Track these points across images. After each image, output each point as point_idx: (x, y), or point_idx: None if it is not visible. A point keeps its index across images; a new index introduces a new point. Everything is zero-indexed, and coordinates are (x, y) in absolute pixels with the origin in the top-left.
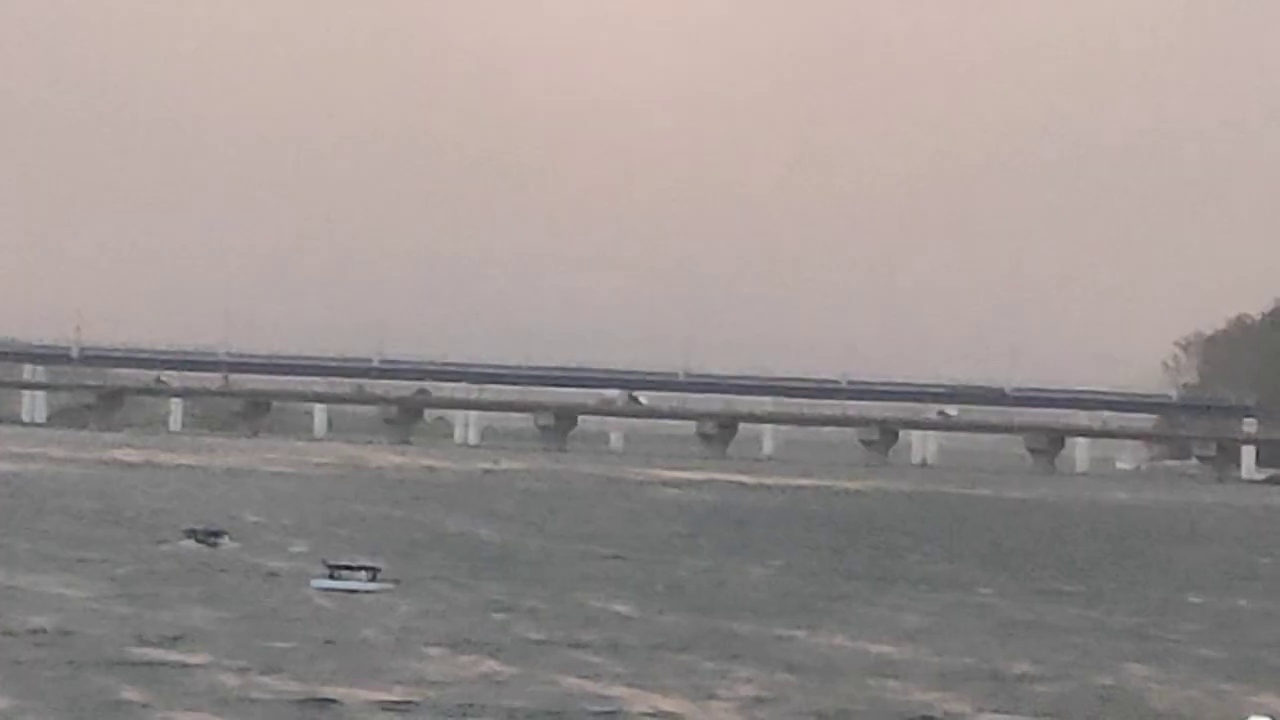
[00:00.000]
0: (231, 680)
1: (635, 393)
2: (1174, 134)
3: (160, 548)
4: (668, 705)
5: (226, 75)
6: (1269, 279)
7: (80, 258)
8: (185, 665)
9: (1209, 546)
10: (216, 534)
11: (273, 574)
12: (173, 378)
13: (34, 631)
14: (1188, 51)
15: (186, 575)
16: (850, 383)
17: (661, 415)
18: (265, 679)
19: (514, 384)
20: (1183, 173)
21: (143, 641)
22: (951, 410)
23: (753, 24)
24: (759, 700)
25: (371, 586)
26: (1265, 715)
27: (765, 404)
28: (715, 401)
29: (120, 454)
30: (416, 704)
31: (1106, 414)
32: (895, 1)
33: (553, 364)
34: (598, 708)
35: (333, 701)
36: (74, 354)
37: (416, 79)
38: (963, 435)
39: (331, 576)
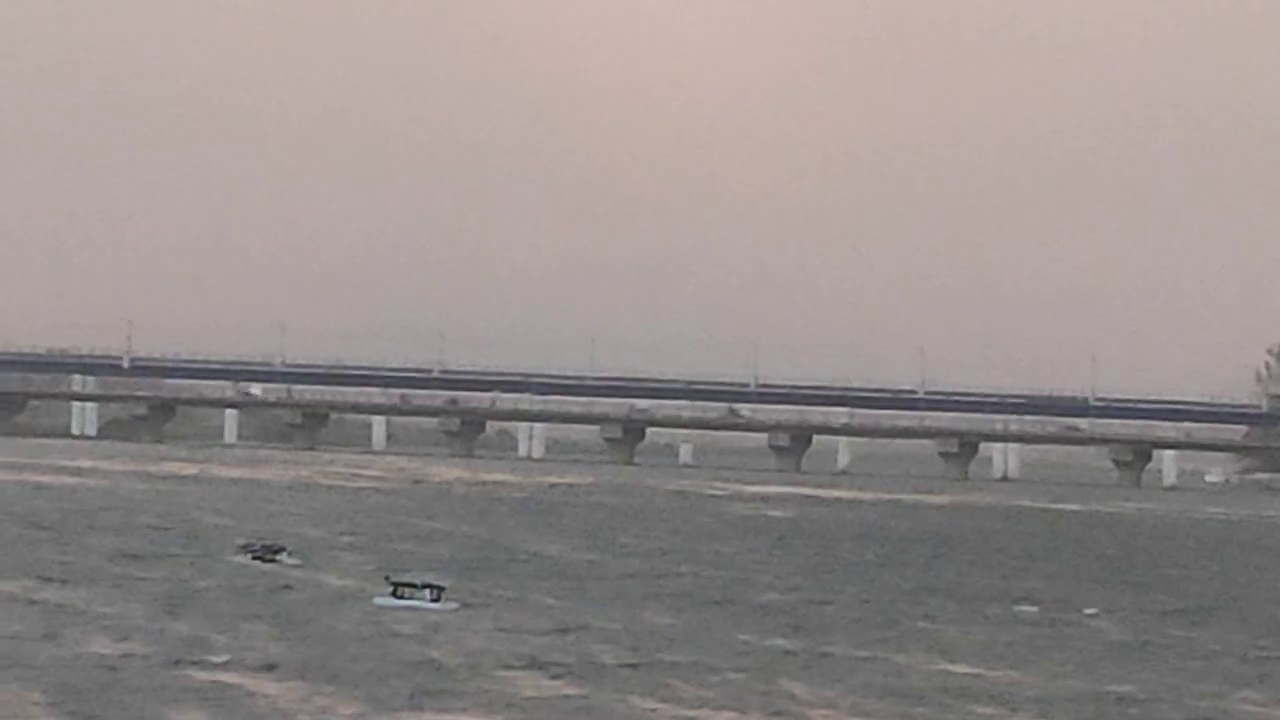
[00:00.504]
0: (295, 704)
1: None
2: (1261, 132)
3: (217, 564)
4: None
5: (283, 80)
6: None
7: (131, 265)
8: (245, 688)
9: None
10: (274, 550)
11: (333, 591)
12: (227, 388)
13: (90, 655)
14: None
15: (244, 593)
16: (928, 393)
17: (732, 427)
18: (329, 702)
19: (579, 395)
20: (1274, 171)
21: (201, 664)
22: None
23: (819, 19)
24: None
25: (436, 605)
26: None
27: (840, 415)
28: (787, 413)
29: (174, 467)
30: None
31: (1194, 425)
32: None
33: (619, 374)
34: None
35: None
36: (125, 364)
37: (474, 86)
38: (1044, 447)
39: (394, 594)
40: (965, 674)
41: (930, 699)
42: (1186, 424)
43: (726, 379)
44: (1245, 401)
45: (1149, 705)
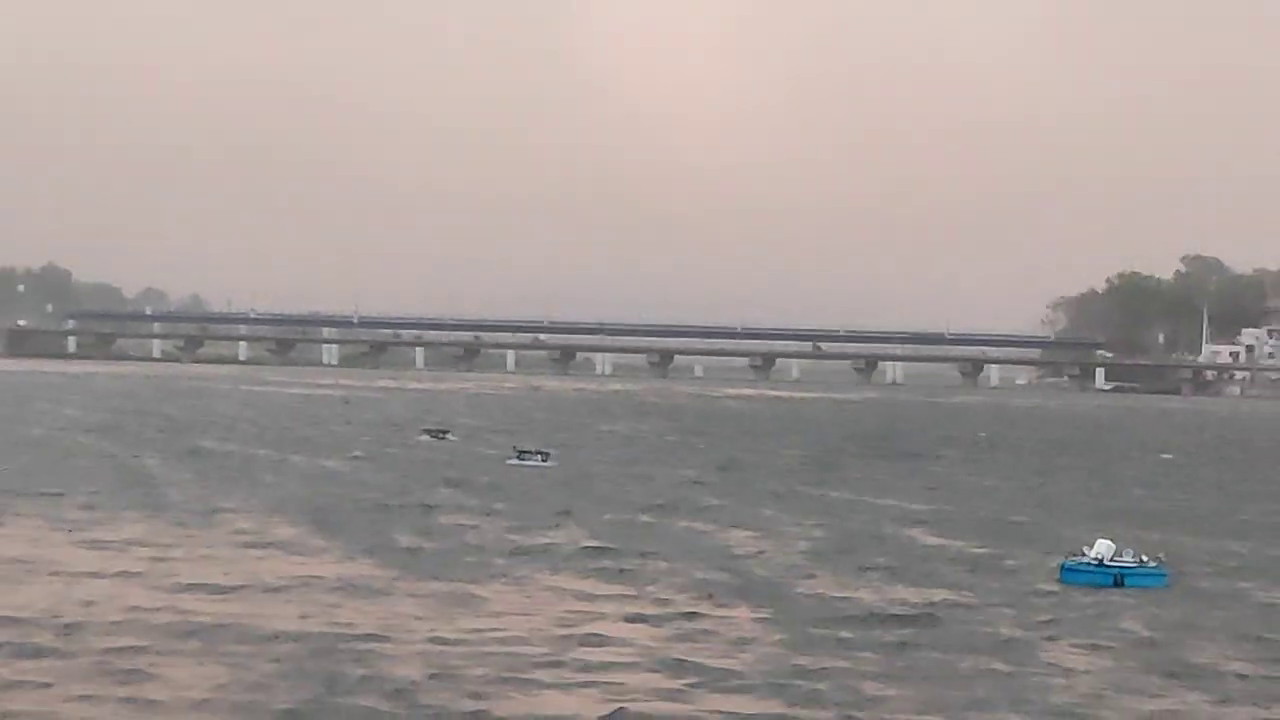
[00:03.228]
0: (461, 519)
1: (819, 344)
2: (1047, 133)
3: (409, 440)
4: (758, 540)
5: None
6: (1111, 260)
7: (358, 256)
8: (430, 508)
9: (1075, 429)
10: (444, 431)
11: (481, 456)
12: (417, 335)
13: (334, 495)
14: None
15: (426, 457)
16: (847, 331)
17: (726, 354)
18: (480, 518)
19: (633, 335)
20: (1054, 171)
21: (403, 501)
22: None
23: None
24: (801, 535)
25: (545, 463)
26: (1107, 539)
27: (792, 346)
28: (759, 345)
29: (384, 383)
30: (592, 547)
31: (1009, 349)
32: None
33: (657, 322)
34: (702, 522)
35: (523, 530)
36: (355, 320)
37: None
38: (917, 364)
39: (519, 457)
40: (871, 502)
41: (847, 517)
42: (1005, 348)
43: (722, 324)
44: (1040, 334)
45: (958, 514)
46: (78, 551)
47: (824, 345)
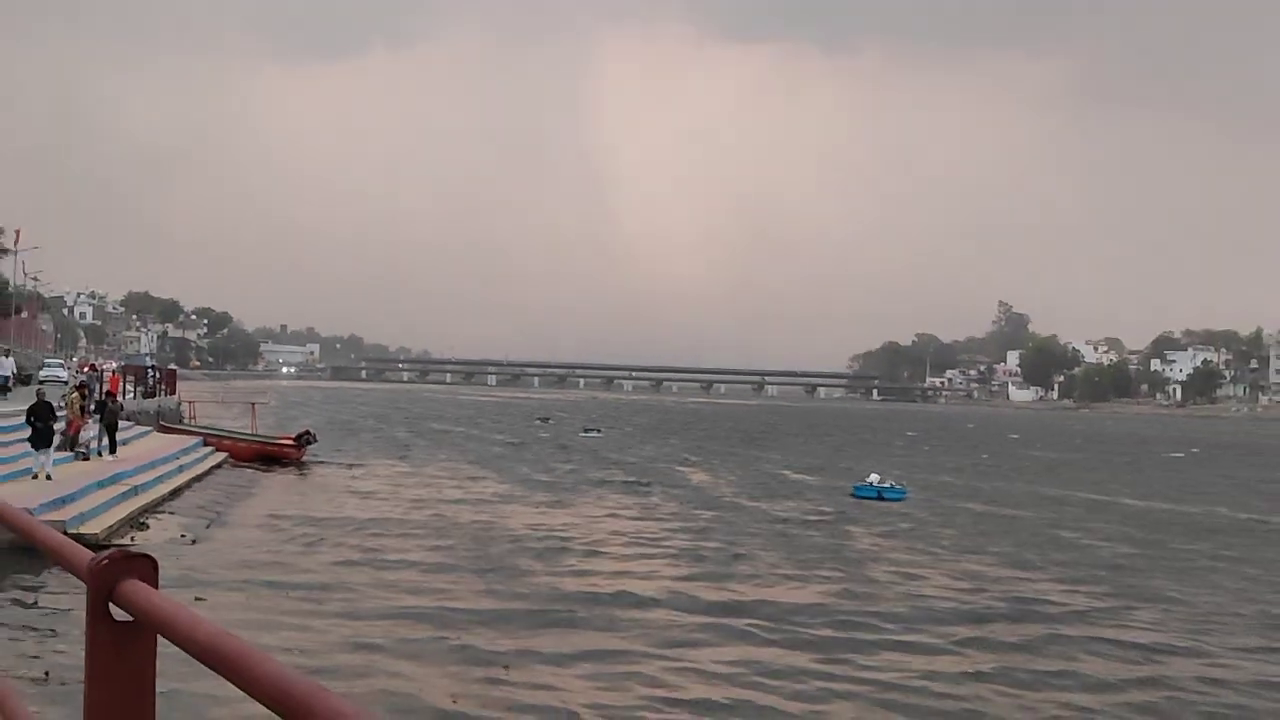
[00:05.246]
0: (555, 463)
1: (764, 378)
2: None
3: (527, 424)
4: (712, 478)
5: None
6: (881, 334)
7: (507, 329)
8: (539, 457)
9: (862, 421)
10: (548, 418)
11: (567, 430)
12: (536, 371)
13: (491, 448)
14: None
15: (538, 434)
16: (748, 368)
17: (686, 380)
18: (564, 463)
19: (642, 370)
20: (857, 288)
21: (525, 454)
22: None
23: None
24: (734, 475)
25: (599, 435)
26: (875, 472)
27: (724, 378)
28: (704, 376)
29: (518, 395)
30: (623, 479)
31: (830, 378)
32: None
33: (653, 364)
34: (681, 468)
35: (587, 469)
36: (504, 362)
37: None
38: (786, 386)
39: (584, 432)
40: (770, 460)
41: (755, 469)
42: (828, 378)
43: (686, 365)
44: (846, 370)
45: (825, 469)
46: (357, 481)
47: (721, 374)
